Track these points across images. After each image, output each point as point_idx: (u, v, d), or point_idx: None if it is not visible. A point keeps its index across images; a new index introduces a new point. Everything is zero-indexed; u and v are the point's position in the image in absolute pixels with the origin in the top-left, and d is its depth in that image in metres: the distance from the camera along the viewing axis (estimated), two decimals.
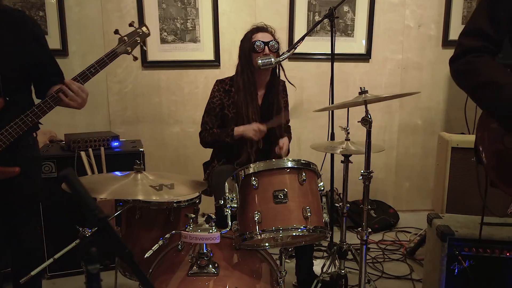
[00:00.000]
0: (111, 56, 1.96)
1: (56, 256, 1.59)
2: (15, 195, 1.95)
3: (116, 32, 1.99)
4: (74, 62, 3.39)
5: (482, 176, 1.75)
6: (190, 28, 3.54)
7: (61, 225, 2.66)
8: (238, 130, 2.48)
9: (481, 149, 1.67)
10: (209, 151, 2.74)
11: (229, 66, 3.58)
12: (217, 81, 2.62)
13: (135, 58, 2.06)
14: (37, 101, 1.94)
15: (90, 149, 2.75)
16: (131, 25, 2.01)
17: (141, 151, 2.85)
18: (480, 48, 1.54)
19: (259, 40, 2.46)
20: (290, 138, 2.79)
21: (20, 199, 1.98)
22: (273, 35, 2.53)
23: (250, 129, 2.44)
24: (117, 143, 2.90)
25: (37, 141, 2.08)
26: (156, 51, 3.53)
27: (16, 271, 2.06)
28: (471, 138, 2.95)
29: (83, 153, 2.72)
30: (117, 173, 1.94)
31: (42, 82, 2.02)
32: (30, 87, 2.03)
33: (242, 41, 2.56)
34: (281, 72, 2.63)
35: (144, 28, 2.03)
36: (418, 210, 3.97)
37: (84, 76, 1.93)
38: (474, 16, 1.58)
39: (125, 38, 2.00)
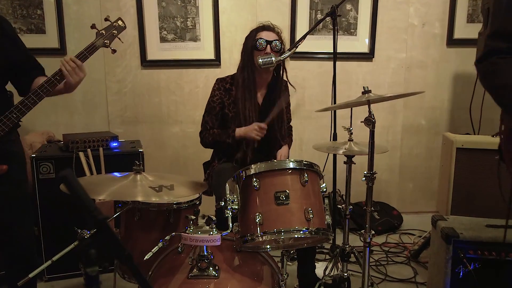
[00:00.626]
0: (91, 49, 2.03)
1: (54, 258, 1.60)
2: (3, 192, 1.95)
3: (93, 26, 2.08)
4: None
5: (504, 175, 1.75)
6: (190, 27, 3.55)
7: (59, 226, 2.67)
8: (240, 131, 2.49)
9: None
10: (209, 151, 2.74)
11: (229, 65, 3.58)
12: (217, 79, 2.62)
13: (114, 51, 2.13)
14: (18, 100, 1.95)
15: (88, 150, 2.76)
16: (106, 19, 2.09)
17: (141, 151, 2.85)
18: (505, 49, 1.54)
19: (262, 38, 2.47)
20: (290, 143, 2.79)
21: (9, 196, 1.98)
22: (279, 35, 2.54)
23: (251, 130, 2.45)
24: (116, 144, 2.90)
25: (19, 136, 2.10)
26: (156, 50, 3.53)
27: (10, 273, 2.07)
28: (476, 138, 2.97)
29: (81, 154, 2.72)
30: (116, 174, 1.94)
31: (21, 79, 2.04)
32: (5, 87, 2.03)
33: (246, 38, 2.57)
34: (284, 72, 2.63)
35: (119, 22, 2.11)
36: (422, 212, 3.97)
37: (51, 83, 1.95)
38: (499, 16, 1.57)
39: (103, 31, 2.08)
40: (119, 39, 2.15)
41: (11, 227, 2.00)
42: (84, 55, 2.00)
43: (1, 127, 1.86)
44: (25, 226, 2.06)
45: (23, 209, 2.06)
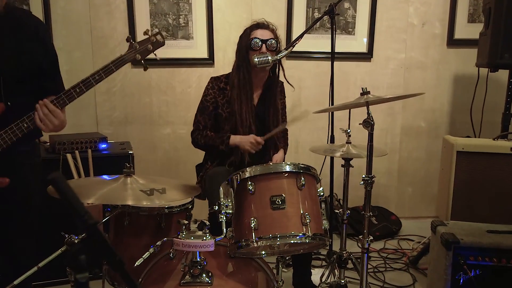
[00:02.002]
0: (118, 63, 1.90)
1: (40, 264, 1.59)
2: (9, 203, 1.89)
3: (128, 39, 1.95)
4: (60, 59, 3.32)
5: None
6: (183, 24, 3.55)
7: (46, 231, 2.65)
8: (235, 139, 2.49)
9: None
10: (202, 153, 2.74)
11: (223, 65, 3.58)
12: (211, 78, 2.62)
13: (145, 68, 2.01)
14: None
15: (76, 151, 2.75)
16: (145, 33, 1.96)
17: (131, 153, 2.85)
18: None
19: (257, 38, 2.47)
20: (286, 148, 2.80)
21: (14, 208, 1.92)
22: (274, 33, 2.54)
23: (247, 141, 2.45)
24: (105, 145, 2.89)
25: (38, 147, 2.05)
26: None
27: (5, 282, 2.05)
28: (477, 141, 2.99)
29: (69, 156, 2.71)
30: (105, 176, 1.94)
31: (39, 87, 1.96)
32: (33, 90, 1.95)
33: (240, 37, 2.57)
34: (281, 72, 2.64)
35: (158, 36, 1.97)
36: (421, 217, 3.98)
37: (88, 83, 1.88)
38: None
39: (136, 45, 1.94)
40: (155, 55, 2.00)
41: (13, 238, 1.95)
42: (109, 69, 1.88)
43: (10, 136, 1.77)
44: (26, 238, 2.02)
45: (27, 222, 2.00)
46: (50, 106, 1.82)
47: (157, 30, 1.99)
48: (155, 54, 1.99)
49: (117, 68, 1.89)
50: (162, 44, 1.99)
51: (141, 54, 1.94)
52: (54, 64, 2.02)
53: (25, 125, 1.80)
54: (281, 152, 2.67)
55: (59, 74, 2.06)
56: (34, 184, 2.02)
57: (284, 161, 2.68)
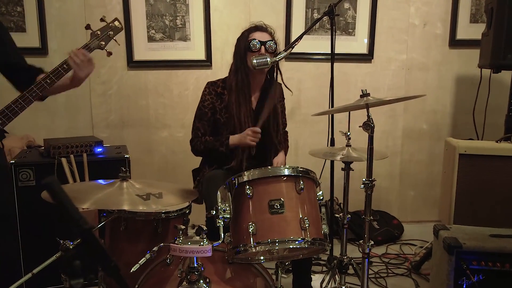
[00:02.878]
0: (86, 49, 2.04)
1: (35, 271, 1.60)
2: None
3: (88, 27, 2.08)
4: (54, 61, 3.31)
5: None
6: (180, 26, 3.56)
7: (40, 237, 2.66)
8: (234, 139, 2.50)
9: None
10: (199, 158, 2.75)
11: (221, 66, 3.60)
12: (208, 83, 2.63)
13: (109, 54, 2.14)
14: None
15: (71, 156, 2.75)
16: (102, 19, 2.10)
17: (127, 157, 2.85)
18: None
19: (255, 39, 2.48)
20: (287, 150, 2.80)
21: None
22: (272, 36, 2.56)
23: (245, 136, 2.46)
24: (100, 149, 2.90)
25: (3, 150, 2.07)
26: (143, 50, 3.54)
27: None
28: (480, 144, 3.00)
29: (64, 160, 2.72)
30: (101, 181, 1.95)
31: (23, 75, 2.05)
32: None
33: (238, 39, 2.58)
34: (279, 75, 2.64)
35: (116, 22, 2.12)
36: (423, 221, 3.99)
37: (57, 74, 1.98)
38: None
39: (98, 32, 2.08)
40: (116, 40, 2.15)
41: None
42: None
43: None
44: (5, 241, 2.03)
45: (3, 225, 2.01)
46: (87, 53, 2.02)
47: (114, 17, 2.18)
48: (115, 40, 2.14)
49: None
50: (121, 29, 2.15)
51: (104, 41, 2.10)
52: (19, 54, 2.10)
53: (17, 107, 1.91)
54: (281, 154, 2.68)
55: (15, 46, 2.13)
56: (5, 187, 2.05)
57: (285, 163, 2.68)
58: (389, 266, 3.21)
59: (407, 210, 4.06)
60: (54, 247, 1.60)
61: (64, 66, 1.96)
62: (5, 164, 2.08)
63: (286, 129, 2.87)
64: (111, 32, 2.10)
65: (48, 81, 1.93)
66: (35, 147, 3.11)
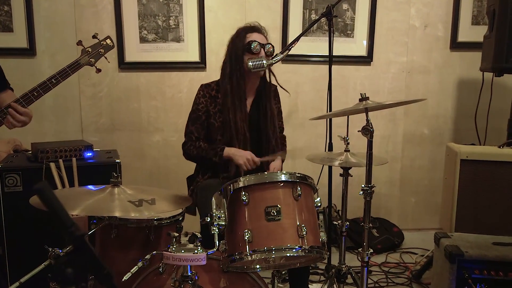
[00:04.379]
0: (74, 67, 2.13)
1: (22, 280, 1.59)
2: None
3: (79, 43, 2.19)
4: (42, 63, 3.40)
5: None
6: (173, 26, 3.57)
7: (27, 245, 2.65)
8: (229, 152, 2.50)
9: None
10: (193, 163, 2.75)
11: (215, 69, 3.58)
12: (201, 85, 2.64)
13: (98, 70, 2.24)
14: None
15: (60, 160, 2.75)
16: (94, 36, 2.20)
17: (118, 162, 2.85)
18: None
19: (255, 41, 2.49)
20: (284, 156, 2.80)
21: None
22: (266, 38, 2.58)
23: (242, 157, 2.47)
24: (90, 154, 2.89)
25: None
26: (135, 51, 3.55)
27: None
28: (482, 149, 3.03)
29: (52, 165, 2.71)
30: (91, 187, 1.95)
31: None
32: None
33: (233, 38, 2.58)
34: (272, 77, 2.66)
35: (108, 41, 2.23)
36: (424, 228, 4.01)
37: (45, 87, 2.06)
38: None
39: (89, 49, 2.19)
40: (106, 58, 2.26)
41: None
42: (66, 72, 2.10)
43: None
44: None
45: None
46: (20, 109, 2.06)
47: (106, 35, 2.32)
48: (106, 58, 2.26)
49: (73, 72, 2.14)
50: (112, 47, 2.27)
51: (94, 58, 2.20)
52: None
53: None
54: (278, 159, 2.68)
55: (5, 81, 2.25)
56: None
57: (281, 168, 2.69)
58: (389, 275, 3.22)
59: (407, 217, 4.08)
60: (42, 255, 1.60)
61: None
62: None
63: (284, 133, 2.89)
64: (101, 50, 2.21)
65: None
66: (22, 151, 3.10)
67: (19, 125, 2.10)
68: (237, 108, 2.53)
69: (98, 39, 2.19)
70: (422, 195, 4.06)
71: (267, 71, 2.62)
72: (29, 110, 2.10)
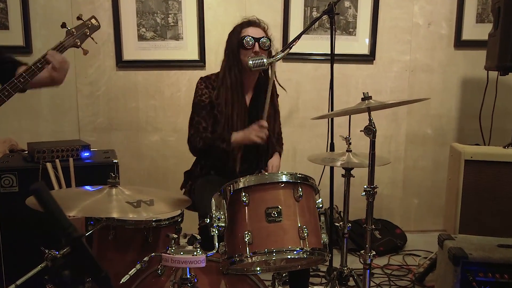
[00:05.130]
0: (59, 49, 2.08)
1: (18, 282, 1.59)
2: None
3: (64, 25, 2.14)
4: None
5: None
6: (172, 24, 3.57)
7: (23, 246, 2.65)
8: (237, 136, 2.47)
9: None
10: (192, 161, 2.74)
11: (215, 67, 3.57)
12: (201, 78, 2.61)
13: (85, 52, 2.18)
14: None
15: (57, 160, 2.75)
16: (79, 18, 2.16)
17: (115, 162, 2.85)
18: None
19: (249, 36, 2.49)
20: (281, 152, 2.80)
21: None
22: (265, 32, 2.56)
23: (250, 131, 2.43)
24: (87, 154, 2.89)
25: None
26: (133, 49, 3.55)
27: None
28: (487, 149, 3.03)
29: (49, 165, 2.71)
30: (88, 187, 1.95)
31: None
32: None
33: (230, 35, 2.58)
34: (272, 74, 2.65)
35: (93, 20, 2.18)
36: (428, 230, 4.01)
37: (31, 72, 2.01)
38: None
39: (73, 30, 2.13)
40: (93, 39, 2.21)
41: None
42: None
43: None
44: None
45: None
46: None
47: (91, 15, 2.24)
48: (92, 38, 2.21)
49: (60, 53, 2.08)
50: (98, 27, 2.21)
51: (79, 39, 2.14)
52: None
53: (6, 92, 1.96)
54: (276, 156, 2.67)
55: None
56: None
57: (280, 165, 2.68)
58: (392, 277, 3.22)
59: (410, 219, 4.08)
60: (38, 257, 1.60)
61: (38, 65, 2.00)
62: None
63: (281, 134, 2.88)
64: (87, 31, 2.16)
65: (21, 80, 1.97)
66: (18, 151, 3.10)
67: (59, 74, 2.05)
68: (235, 104, 2.52)
69: (83, 20, 2.16)
70: (425, 196, 4.07)
71: (269, 67, 2.62)
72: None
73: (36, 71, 1.99)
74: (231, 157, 2.52)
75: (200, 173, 2.63)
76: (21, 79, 1.96)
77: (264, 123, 2.43)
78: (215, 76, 2.61)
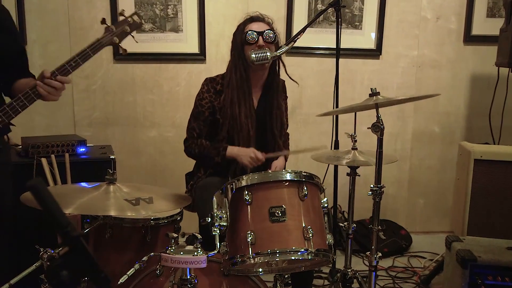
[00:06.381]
0: (95, 47, 2.00)
1: (12, 281, 1.59)
2: None
3: (103, 21, 2.04)
4: (33, 52, 3.38)
5: None
6: (171, 16, 3.56)
7: (17, 244, 2.64)
8: (232, 151, 2.50)
9: None
10: (192, 160, 2.75)
11: (216, 61, 3.60)
12: (206, 79, 2.62)
13: (124, 51, 2.11)
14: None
15: (52, 156, 2.74)
16: (121, 14, 2.07)
17: (112, 158, 2.85)
18: None
19: (252, 30, 2.48)
20: (287, 156, 2.79)
21: None
22: (270, 26, 2.56)
23: (246, 155, 2.46)
24: (83, 149, 2.89)
25: (8, 146, 2.13)
26: (131, 41, 3.53)
27: None
28: (497, 149, 3.02)
29: (44, 160, 2.70)
30: (85, 184, 1.94)
31: (6, 74, 2.05)
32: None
33: (234, 34, 2.58)
34: (282, 68, 2.64)
35: (135, 17, 2.08)
36: (434, 231, 4.01)
37: (64, 70, 1.97)
38: None
39: (113, 27, 2.04)
40: (133, 37, 2.12)
41: None
42: (87, 54, 1.98)
43: None
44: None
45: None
46: (53, 83, 1.95)
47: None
48: (133, 36, 2.11)
49: (94, 53, 2.00)
50: (140, 25, 2.12)
51: (118, 37, 2.05)
52: (23, 50, 2.12)
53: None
54: (281, 158, 2.68)
55: (27, 61, 2.16)
56: (6, 185, 2.08)
57: (284, 167, 2.68)
58: (396, 280, 3.22)
59: (416, 219, 4.08)
60: (32, 256, 1.60)
61: (29, 94, 1.94)
62: (7, 161, 2.14)
63: (287, 130, 2.88)
64: (127, 28, 2.06)
65: (20, 103, 1.93)
66: (12, 146, 3.09)
67: (54, 97, 2.01)
68: (242, 103, 2.51)
69: (125, 16, 2.07)
70: (432, 197, 4.06)
71: (277, 63, 2.61)
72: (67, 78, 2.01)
73: (34, 97, 1.96)
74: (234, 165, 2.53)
75: (201, 174, 2.63)
76: (12, 108, 1.93)
77: (263, 158, 2.46)
78: (220, 79, 2.60)
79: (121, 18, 2.07)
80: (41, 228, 2.44)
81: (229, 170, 2.55)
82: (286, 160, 2.73)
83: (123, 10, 2.09)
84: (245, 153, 2.47)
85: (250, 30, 2.48)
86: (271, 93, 2.61)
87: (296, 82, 2.70)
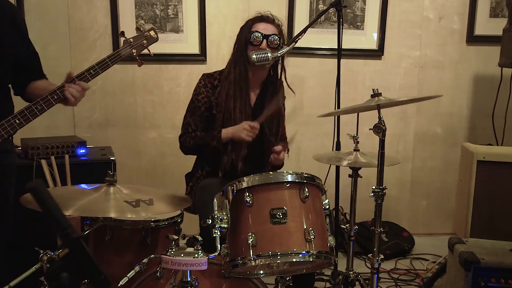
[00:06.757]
0: (114, 58, 2.10)
1: (12, 284, 1.59)
2: None
3: (122, 34, 2.18)
4: None
5: None
6: (172, 16, 3.57)
7: (16, 246, 2.64)
8: (227, 132, 2.49)
9: None
10: (192, 161, 2.75)
11: (216, 62, 3.60)
12: (203, 74, 2.63)
13: (140, 63, 2.25)
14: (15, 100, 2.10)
15: (52, 157, 2.75)
16: (138, 28, 2.22)
17: (112, 160, 2.86)
18: None
19: (258, 31, 2.48)
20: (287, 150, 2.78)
21: None
22: (279, 29, 2.56)
23: (240, 129, 2.44)
24: (83, 150, 2.90)
25: (14, 147, 2.18)
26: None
27: None
28: (500, 150, 3.02)
29: (43, 162, 2.71)
30: (84, 185, 1.95)
31: (20, 77, 2.12)
32: (8, 86, 2.13)
33: (241, 29, 2.59)
34: (282, 73, 2.64)
35: (152, 32, 2.22)
36: (436, 233, 4.01)
37: (83, 78, 2.07)
38: None
39: (131, 40, 2.17)
40: (149, 51, 2.25)
41: None
42: (105, 64, 2.09)
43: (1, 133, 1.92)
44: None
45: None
46: (83, 84, 2.07)
47: (150, 25, 2.18)
48: (149, 50, 2.24)
49: (113, 64, 2.11)
50: (156, 40, 2.25)
51: (136, 49, 2.18)
52: (34, 51, 2.17)
53: (17, 121, 1.98)
54: (282, 153, 2.64)
55: (39, 61, 2.21)
56: (11, 187, 2.12)
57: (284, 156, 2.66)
58: (399, 282, 3.22)
59: (418, 221, 4.08)
60: (32, 257, 1.60)
61: (55, 96, 2.02)
62: (13, 162, 2.20)
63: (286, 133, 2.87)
64: (144, 41, 2.20)
65: (38, 107, 2.01)
66: None
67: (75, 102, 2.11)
68: (237, 98, 2.51)
69: (142, 30, 2.20)
70: (434, 198, 4.06)
71: (278, 65, 2.61)
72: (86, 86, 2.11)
73: (52, 102, 2.03)
74: (234, 156, 2.52)
75: (201, 174, 2.63)
76: (30, 111, 2.01)
77: (257, 125, 2.43)
78: (218, 74, 2.61)
79: (138, 32, 2.21)
80: (43, 229, 2.45)
81: (219, 167, 2.54)
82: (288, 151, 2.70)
83: (140, 25, 2.31)
84: (239, 128, 2.45)
85: (256, 31, 2.48)
86: (269, 93, 2.61)
87: (293, 91, 2.70)
